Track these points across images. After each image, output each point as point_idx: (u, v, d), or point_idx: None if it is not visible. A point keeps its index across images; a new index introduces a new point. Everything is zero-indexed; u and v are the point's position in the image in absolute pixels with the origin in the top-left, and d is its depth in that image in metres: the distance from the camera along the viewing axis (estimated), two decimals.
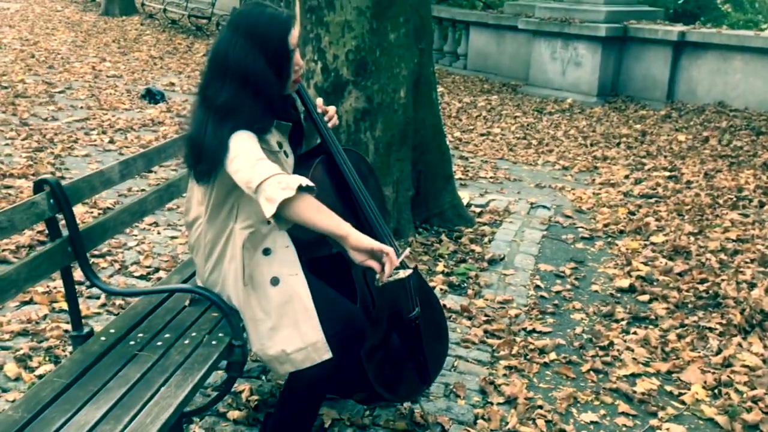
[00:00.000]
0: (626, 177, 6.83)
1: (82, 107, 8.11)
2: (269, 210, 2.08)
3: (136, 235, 4.63)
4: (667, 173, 6.99)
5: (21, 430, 1.75)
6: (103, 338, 2.21)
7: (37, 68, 10.26)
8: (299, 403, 2.39)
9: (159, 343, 2.21)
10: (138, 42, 13.59)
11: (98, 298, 3.65)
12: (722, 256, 4.85)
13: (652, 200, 6.11)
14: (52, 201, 2.16)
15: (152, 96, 8.66)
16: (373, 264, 2.17)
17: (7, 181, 5.32)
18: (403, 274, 2.35)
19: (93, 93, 8.84)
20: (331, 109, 2.61)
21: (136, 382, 1.98)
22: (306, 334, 2.26)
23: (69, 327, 2.42)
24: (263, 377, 3.09)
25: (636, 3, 11.62)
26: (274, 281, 2.31)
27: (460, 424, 2.85)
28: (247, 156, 2.15)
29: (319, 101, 2.61)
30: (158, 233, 4.73)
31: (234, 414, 2.80)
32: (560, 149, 7.87)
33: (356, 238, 2.16)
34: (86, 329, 2.27)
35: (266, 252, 2.35)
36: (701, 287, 4.33)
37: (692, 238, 5.15)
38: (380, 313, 2.52)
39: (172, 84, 9.94)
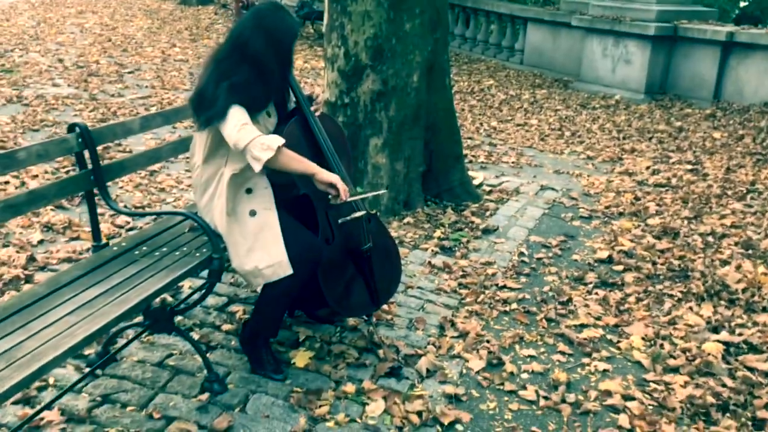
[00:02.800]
0: (647, 168, 7.14)
1: (146, 87, 8.99)
2: (257, 167, 2.76)
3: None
4: (689, 166, 7.26)
5: (40, 299, 2.41)
6: (114, 248, 2.87)
7: (112, 51, 11.28)
8: (269, 310, 3.01)
9: (156, 254, 2.85)
10: (209, 30, 14.55)
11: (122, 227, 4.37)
12: (710, 238, 5.18)
13: (663, 189, 6.44)
14: (80, 140, 2.82)
15: None
16: (332, 191, 2.87)
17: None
18: (358, 213, 2.98)
19: (158, 74, 9.74)
20: (318, 89, 3.23)
21: (133, 275, 2.62)
22: (274, 254, 2.86)
23: None
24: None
25: (690, 3, 11.74)
26: (252, 213, 2.92)
27: (412, 348, 3.40)
28: (235, 121, 2.76)
29: (313, 88, 3.21)
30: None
31: (226, 327, 3.43)
32: (591, 141, 8.22)
33: (321, 174, 2.88)
34: (103, 242, 2.93)
35: (248, 191, 2.96)
36: (676, 262, 4.70)
37: (686, 222, 5.50)
38: (337, 243, 3.10)
39: None
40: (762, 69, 9.87)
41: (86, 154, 2.87)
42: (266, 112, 3.02)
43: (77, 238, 4.28)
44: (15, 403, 2.69)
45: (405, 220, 5.11)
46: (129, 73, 9.74)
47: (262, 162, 2.73)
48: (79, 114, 7.18)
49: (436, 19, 5.38)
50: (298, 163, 2.86)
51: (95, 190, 2.90)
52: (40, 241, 4.20)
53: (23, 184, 5.01)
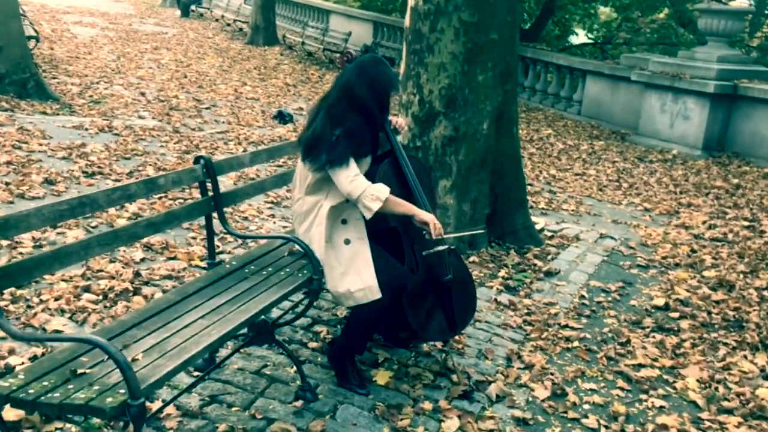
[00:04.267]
0: (703, 222, 7.34)
1: (223, 122, 9.56)
2: (368, 215, 3.18)
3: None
4: (746, 223, 7.43)
5: (171, 306, 2.79)
6: (227, 266, 3.26)
7: (188, 87, 11.96)
8: (356, 331, 3.35)
9: (264, 273, 3.22)
10: (276, 70, 15.24)
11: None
12: (765, 293, 5.37)
13: (720, 243, 6.64)
14: (204, 170, 3.24)
15: (282, 117, 10.05)
16: (427, 228, 3.26)
17: (162, 173, 6.66)
18: (441, 247, 3.33)
19: (233, 111, 10.34)
20: (401, 120, 3.59)
21: (247, 289, 3.00)
22: (365, 279, 3.21)
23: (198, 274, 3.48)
24: (338, 326, 4.04)
25: (751, 62, 11.94)
26: (347, 242, 3.29)
27: (482, 375, 3.69)
28: (349, 172, 3.14)
29: (396, 119, 3.58)
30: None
31: (313, 344, 3.78)
32: (648, 193, 8.45)
33: (420, 215, 3.28)
34: (218, 260, 3.32)
35: (344, 222, 3.33)
36: (731, 313, 4.91)
37: (742, 276, 5.69)
38: (421, 273, 3.44)
39: (301, 108, 11.30)
40: None
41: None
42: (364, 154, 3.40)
43: (174, 258, 4.70)
44: None
45: (470, 259, 5.42)
46: (206, 108, 10.35)
47: (374, 211, 3.13)
48: (165, 145, 7.72)
49: (507, 72, 5.75)
50: (401, 207, 3.25)
51: (214, 215, 3.30)
52: (142, 259, 4.63)
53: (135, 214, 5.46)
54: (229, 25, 22.72)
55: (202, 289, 2.96)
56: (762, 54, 16.68)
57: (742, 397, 3.78)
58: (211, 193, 3.31)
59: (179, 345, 2.41)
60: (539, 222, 6.48)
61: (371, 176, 3.31)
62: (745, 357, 4.27)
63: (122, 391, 2.09)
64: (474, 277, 5.05)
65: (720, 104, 10.95)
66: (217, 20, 24.01)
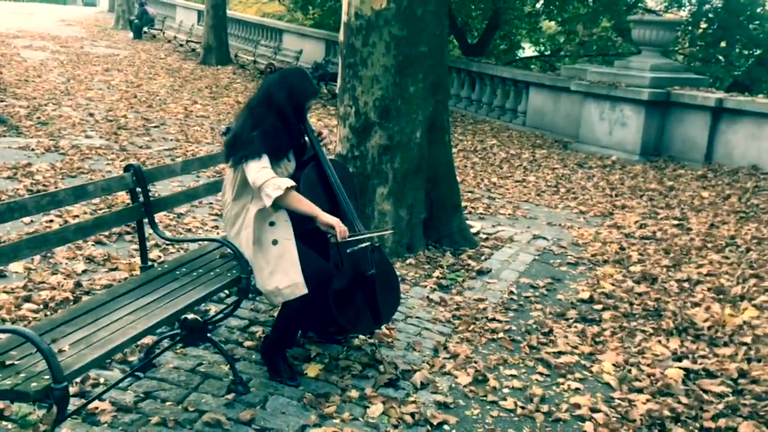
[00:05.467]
0: (635, 222, 7.68)
1: (171, 139, 9.71)
2: (268, 202, 3.35)
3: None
4: (676, 222, 7.79)
5: (104, 304, 2.96)
6: (159, 269, 3.43)
7: (138, 106, 12.09)
8: (286, 326, 3.55)
9: (194, 274, 3.41)
10: (228, 89, 15.41)
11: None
12: (685, 284, 5.69)
13: (648, 241, 6.97)
14: (134, 178, 3.42)
15: None
16: (332, 231, 3.42)
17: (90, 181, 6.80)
18: (364, 244, 3.56)
19: (182, 129, 10.50)
20: (324, 131, 3.81)
21: (177, 288, 3.19)
22: (291, 276, 3.41)
23: None
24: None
25: (682, 70, 12.46)
26: (274, 242, 3.48)
27: (408, 365, 3.91)
28: (258, 164, 3.35)
29: (320, 127, 3.81)
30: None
31: (248, 343, 3.96)
32: (584, 197, 8.80)
33: (322, 216, 3.43)
34: (150, 263, 3.49)
35: (271, 224, 3.53)
36: (651, 303, 5.21)
37: (665, 270, 6.01)
38: (346, 269, 3.66)
39: None
40: (749, 134, 10.50)
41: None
42: (286, 158, 3.61)
43: (116, 269, 4.84)
44: (74, 396, 3.21)
45: (407, 261, 5.65)
46: (155, 127, 10.48)
47: (272, 199, 3.30)
48: (111, 163, 7.83)
49: (437, 83, 6.02)
50: (304, 205, 3.43)
51: (145, 220, 3.48)
52: (84, 271, 4.76)
53: (66, 222, 5.59)
54: (181, 45, 22.82)
55: (132, 290, 3.14)
56: (701, 62, 17.36)
57: (652, 377, 4.05)
58: (142, 199, 3.49)
59: (105, 337, 2.58)
60: (476, 225, 6.75)
61: (296, 181, 3.52)
62: (660, 342, 4.55)
63: (47, 377, 2.26)
64: (410, 278, 5.30)
65: (655, 111, 11.41)
66: (169, 41, 24.08)
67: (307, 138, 3.78)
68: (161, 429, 3.08)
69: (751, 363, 4.24)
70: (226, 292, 4.24)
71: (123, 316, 2.81)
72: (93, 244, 5.23)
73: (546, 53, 23.71)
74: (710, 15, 17.87)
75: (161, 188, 6.88)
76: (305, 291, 3.40)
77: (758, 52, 17.30)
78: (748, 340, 4.55)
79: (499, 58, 21.30)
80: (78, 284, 4.46)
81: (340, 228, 3.42)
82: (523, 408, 3.62)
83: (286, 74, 3.60)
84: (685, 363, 4.23)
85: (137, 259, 5.00)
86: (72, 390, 3.08)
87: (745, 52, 18.02)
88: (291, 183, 3.36)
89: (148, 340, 3.66)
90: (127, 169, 3.45)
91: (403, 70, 5.73)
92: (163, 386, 3.42)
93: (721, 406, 3.70)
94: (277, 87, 3.50)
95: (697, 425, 3.55)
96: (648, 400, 3.79)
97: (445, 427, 3.38)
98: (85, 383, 3.32)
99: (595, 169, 10.57)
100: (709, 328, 4.78)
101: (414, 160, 5.87)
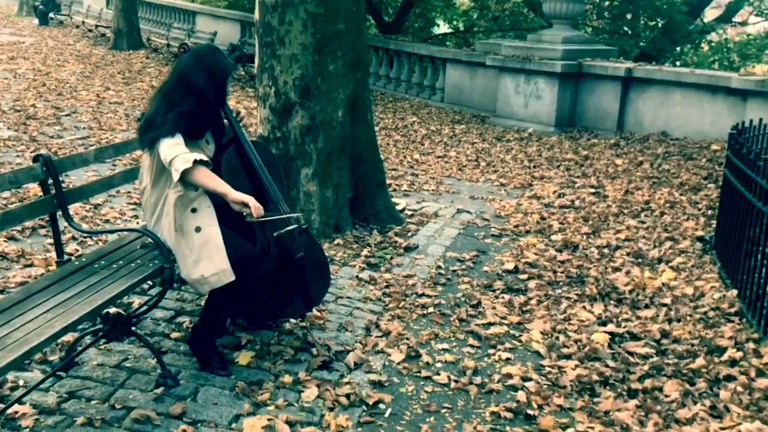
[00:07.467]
0: (554, 192, 7.85)
1: (84, 128, 9.32)
2: (175, 176, 3.21)
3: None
4: (593, 190, 8.01)
5: (18, 303, 2.80)
6: (76, 263, 3.28)
7: (48, 95, 11.54)
8: (214, 314, 3.46)
9: (114, 266, 3.27)
10: (141, 73, 14.89)
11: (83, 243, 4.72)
12: (605, 250, 5.86)
13: (567, 210, 7.14)
14: (44, 168, 3.24)
15: None
16: (245, 209, 3.29)
17: None
18: (291, 227, 3.48)
19: (95, 116, 10.08)
20: (242, 110, 3.72)
21: (96, 282, 3.04)
22: (217, 264, 3.31)
23: None
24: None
25: (593, 42, 12.76)
26: (197, 229, 3.38)
27: (341, 346, 3.88)
28: (171, 142, 3.24)
29: (237, 106, 3.71)
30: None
31: (175, 335, 3.85)
32: (504, 170, 8.93)
33: (232, 194, 3.30)
34: (66, 257, 3.33)
35: (194, 210, 3.41)
36: (574, 271, 5.34)
37: (585, 237, 6.17)
38: (273, 253, 3.58)
39: None
40: (658, 102, 10.87)
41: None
42: (205, 140, 3.50)
43: (31, 265, 4.62)
44: None
45: (335, 242, 5.61)
46: (66, 115, 10.03)
47: (179, 172, 3.16)
48: (21, 154, 7.45)
49: (357, 60, 5.96)
50: (213, 181, 3.28)
51: (58, 213, 3.31)
52: None
53: None
54: (90, 31, 21.89)
55: (49, 286, 2.98)
56: (608, 35, 17.81)
57: (579, 343, 4.16)
58: (54, 191, 3.31)
59: (21, 338, 2.44)
60: (401, 203, 6.75)
61: (216, 164, 3.42)
62: (584, 308, 4.67)
63: None
64: (338, 258, 5.25)
65: (568, 83, 11.65)
66: (78, 27, 23.08)
67: (226, 121, 3.67)
68: (87, 429, 2.96)
69: (672, 323, 4.40)
70: (150, 283, 4.09)
71: (39, 315, 2.67)
72: (5, 240, 4.97)
73: (460, 29, 23.87)
74: None
75: (75, 179, 6.60)
76: (232, 278, 3.31)
77: (663, 22, 17.88)
78: (667, 301, 4.72)
79: (416, 35, 21.31)
80: None
81: (254, 204, 3.29)
82: (456, 381, 3.65)
83: (200, 54, 3.47)
84: (610, 327, 4.36)
85: (53, 254, 4.78)
86: None
87: (650, 23, 18.60)
88: (201, 157, 3.24)
89: (69, 337, 3.51)
90: (36, 159, 3.27)
91: (321, 48, 5.65)
92: (88, 385, 3.28)
93: (646, 367, 3.82)
94: (193, 69, 3.37)
95: (625, 387, 3.66)
96: (577, 366, 3.88)
97: (381, 405, 3.38)
98: (3, 387, 3.15)
99: (513, 142, 10.74)
100: (630, 291, 4.93)
101: (337, 139, 5.81)
